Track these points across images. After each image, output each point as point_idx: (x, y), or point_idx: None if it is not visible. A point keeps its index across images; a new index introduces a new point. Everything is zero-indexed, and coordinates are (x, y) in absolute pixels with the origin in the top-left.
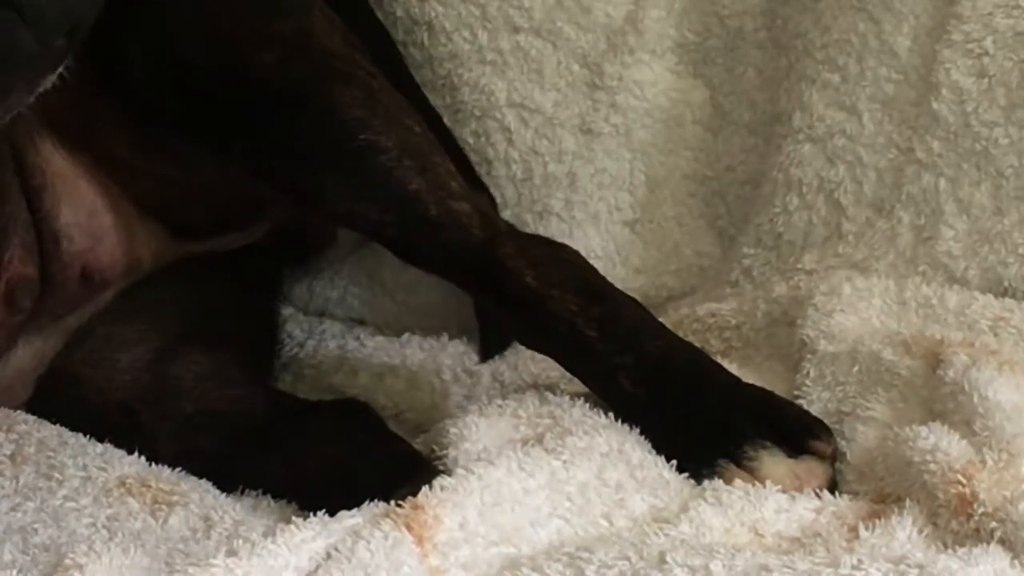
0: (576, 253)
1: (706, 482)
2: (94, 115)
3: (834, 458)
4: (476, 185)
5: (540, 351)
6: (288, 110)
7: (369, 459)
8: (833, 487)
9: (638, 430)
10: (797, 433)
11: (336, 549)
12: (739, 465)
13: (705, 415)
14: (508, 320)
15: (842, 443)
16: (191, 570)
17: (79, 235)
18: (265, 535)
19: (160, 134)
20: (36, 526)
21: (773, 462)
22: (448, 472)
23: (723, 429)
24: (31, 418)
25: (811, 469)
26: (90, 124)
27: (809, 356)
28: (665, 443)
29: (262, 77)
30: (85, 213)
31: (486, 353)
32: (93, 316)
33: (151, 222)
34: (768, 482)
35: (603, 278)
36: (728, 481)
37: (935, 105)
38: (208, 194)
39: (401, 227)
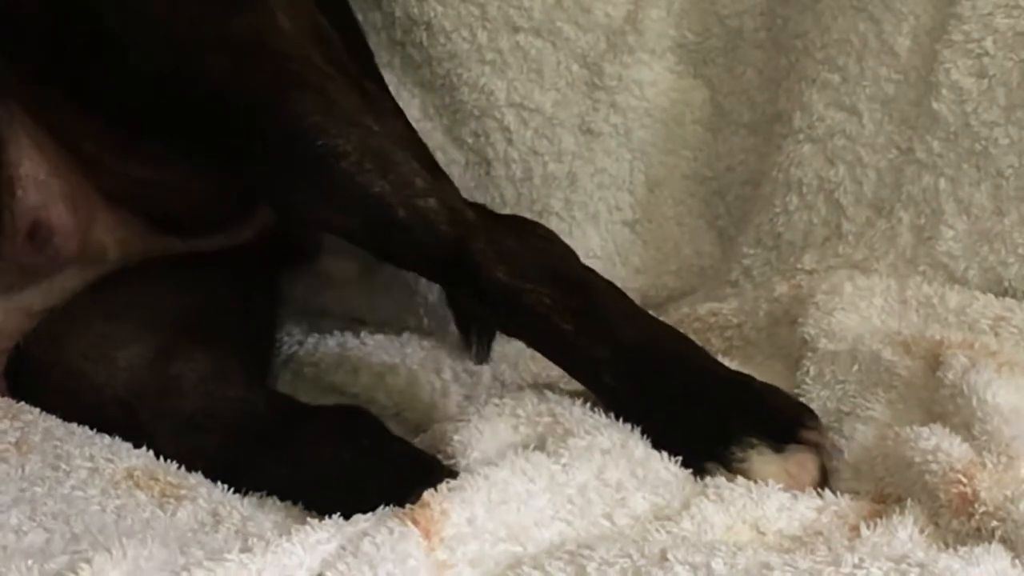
0: (550, 239)
1: (708, 479)
2: (63, 117)
3: (822, 445)
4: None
5: (528, 345)
6: (245, 117)
7: (378, 463)
8: (825, 477)
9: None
10: (784, 423)
11: (342, 547)
12: (729, 468)
13: (688, 411)
14: (487, 315)
15: (841, 441)
16: (206, 563)
17: (35, 190)
18: (280, 534)
19: (129, 138)
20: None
21: (763, 461)
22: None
23: (708, 428)
24: (35, 409)
25: (802, 463)
26: (60, 123)
27: (809, 354)
28: (656, 441)
29: (216, 84)
30: (45, 172)
31: (469, 344)
32: (77, 305)
33: (120, 211)
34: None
35: (578, 264)
36: None
37: (935, 105)
38: (182, 195)
39: (370, 230)
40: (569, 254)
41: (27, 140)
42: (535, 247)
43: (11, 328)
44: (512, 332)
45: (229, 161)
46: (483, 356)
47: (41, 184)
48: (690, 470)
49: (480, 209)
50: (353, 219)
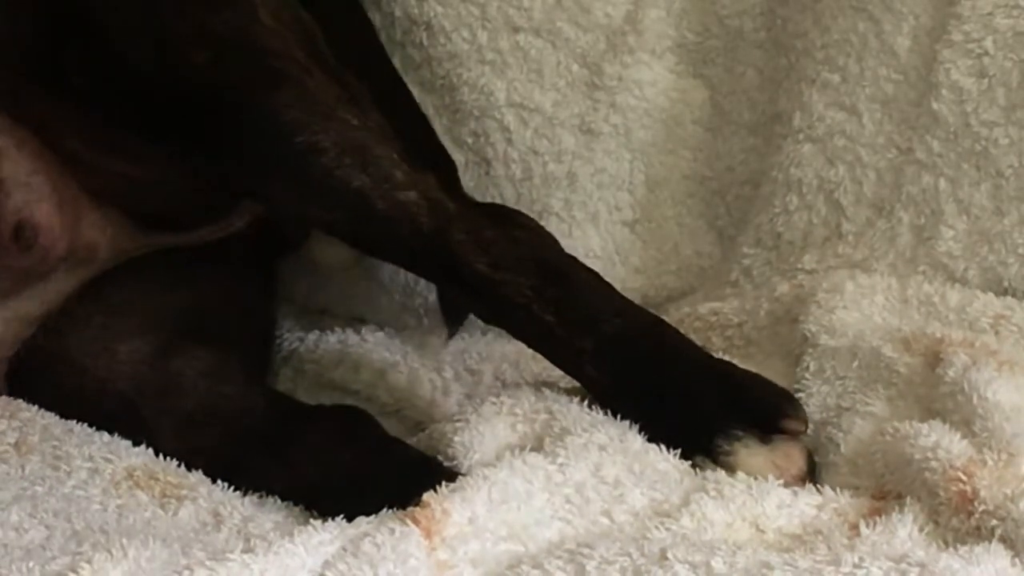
0: (531, 228)
1: (708, 473)
2: (44, 115)
3: (805, 431)
4: (433, 152)
5: (512, 335)
6: (226, 113)
7: (378, 465)
8: (813, 467)
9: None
10: (768, 413)
11: (343, 547)
12: (716, 462)
13: (672, 403)
14: (471, 306)
15: (839, 435)
16: (208, 563)
17: (17, 190)
18: (281, 534)
19: (111, 134)
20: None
21: (749, 454)
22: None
23: (693, 420)
24: (33, 406)
25: (788, 454)
26: (41, 122)
27: (810, 350)
28: (646, 435)
29: (198, 79)
30: (26, 172)
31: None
32: (76, 301)
33: (108, 209)
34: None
35: (561, 254)
36: None
37: (935, 105)
38: (168, 190)
39: (352, 224)
40: (552, 244)
41: (7, 139)
42: (516, 237)
43: (11, 337)
44: (495, 323)
45: (211, 156)
46: (453, 328)
47: (23, 184)
48: (689, 462)
49: (462, 199)
50: (334, 213)
